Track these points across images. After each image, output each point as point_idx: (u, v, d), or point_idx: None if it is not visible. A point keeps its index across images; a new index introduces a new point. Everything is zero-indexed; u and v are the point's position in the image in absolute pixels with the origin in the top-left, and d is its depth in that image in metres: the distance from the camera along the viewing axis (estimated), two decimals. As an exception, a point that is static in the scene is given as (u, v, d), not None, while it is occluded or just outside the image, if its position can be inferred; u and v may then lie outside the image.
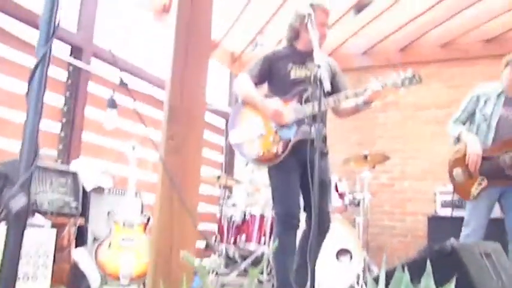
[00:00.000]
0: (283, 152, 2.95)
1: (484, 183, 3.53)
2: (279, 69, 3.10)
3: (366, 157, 4.92)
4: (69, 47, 4.32)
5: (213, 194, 6.05)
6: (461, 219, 3.73)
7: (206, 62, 2.07)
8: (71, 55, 4.32)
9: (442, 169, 5.56)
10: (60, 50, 4.22)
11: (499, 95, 3.66)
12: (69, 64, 4.28)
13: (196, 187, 1.94)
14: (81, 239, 3.75)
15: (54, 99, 4.22)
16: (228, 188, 5.61)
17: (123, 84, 3.55)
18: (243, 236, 4.75)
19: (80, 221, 3.77)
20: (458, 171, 3.67)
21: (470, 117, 3.77)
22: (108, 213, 3.85)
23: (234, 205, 5.01)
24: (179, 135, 1.87)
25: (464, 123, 3.79)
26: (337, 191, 4.76)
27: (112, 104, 3.98)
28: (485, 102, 3.67)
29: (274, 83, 3.13)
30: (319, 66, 2.47)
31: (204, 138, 6.03)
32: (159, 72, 5.25)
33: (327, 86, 2.45)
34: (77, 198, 3.72)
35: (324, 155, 3.08)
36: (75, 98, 4.24)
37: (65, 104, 4.25)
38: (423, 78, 5.62)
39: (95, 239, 3.84)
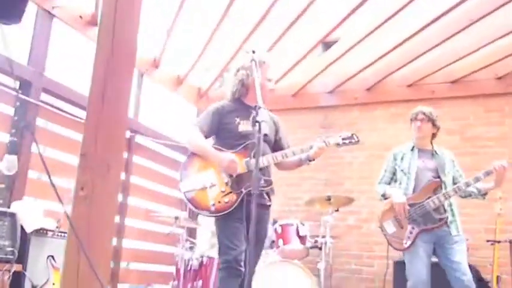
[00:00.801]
0: (234, 204, 3.02)
1: (415, 230, 3.65)
2: (227, 123, 3.16)
3: (329, 199, 4.77)
4: (18, 82, 4.13)
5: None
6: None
7: (126, 104, 1.89)
8: (19, 89, 4.13)
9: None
10: (8, 84, 4.02)
11: (412, 149, 3.92)
12: (17, 99, 4.08)
13: (108, 242, 1.74)
14: (17, 286, 3.47)
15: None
16: (191, 229, 5.40)
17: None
18: (200, 282, 4.50)
19: (16, 267, 3.51)
20: (388, 224, 3.79)
21: (392, 176, 3.98)
22: (48, 258, 3.59)
23: (191, 248, 4.77)
24: (89, 185, 1.68)
25: (389, 183, 3.97)
26: (298, 234, 4.57)
27: (12, 149, 3.80)
28: (402, 158, 3.91)
29: (222, 136, 3.20)
30: (259, 122, 2.56)
31: (168, 176, 5.85)
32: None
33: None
34: (14, 242, 3.46)
35: (266, 207, 3.21)
36: (21, 134, 4.02)
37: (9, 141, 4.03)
38: (390, 117, 5.64)
39: (33, 287, 3.56)
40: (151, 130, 5.79)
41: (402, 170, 3.86)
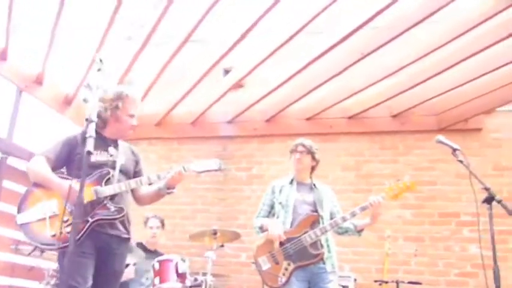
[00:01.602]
0: (78, 233, 2.67)
1: (291, 267, 3.45)
2: (78, 154, 2.89)
3: (215, 233, 4.47)
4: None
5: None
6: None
7: None
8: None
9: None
10: None
11: (291, 182, 3.82)
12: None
13: None
14: None
15: None
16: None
17: None
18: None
19: None
20: (263, 259, 3.56)
21: (271, 210, 3.82)
22: None
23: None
24: None
25: (267, 217, 3.79)
26: (177, 272, 4.19)
27: None
28: (281, 191, 3.78)
29: (73, 166, 2.91)
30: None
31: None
32: None
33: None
34: None
35: (124, 240, 2.97)
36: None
37: None
38: (287, 150, 5.43)
39: None
40: (29, 152, 5.23)
41: (280, 203, 3.71)
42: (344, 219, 3.53)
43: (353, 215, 3.51)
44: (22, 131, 5.19)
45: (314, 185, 3.81)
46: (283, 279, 3.42)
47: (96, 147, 2.80)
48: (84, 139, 2.56)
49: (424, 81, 4.84)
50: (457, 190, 5.24)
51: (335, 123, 5.77)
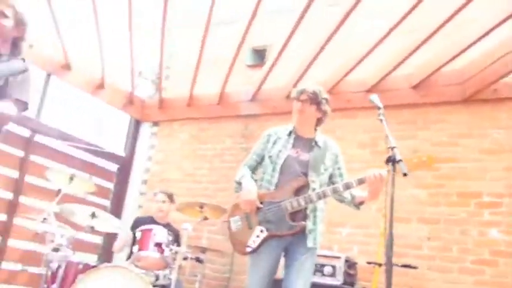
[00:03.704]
0: None
1: (263, 234, 3.04)
2: None
3: (201, 207, 4.47)
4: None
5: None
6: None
7: None
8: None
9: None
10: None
11: (289, 134, 3.24)
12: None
13: None
14: None
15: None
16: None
17: None
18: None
19: None
20: (235, 219, 3.18)
21: (261, 161, 3.30)
22: None
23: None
24: None
25: (254, 168, 3.31)
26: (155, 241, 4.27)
27: None
28: (274, 143, 3.23)
29: None
30: None
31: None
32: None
33: None
34: None
35: None
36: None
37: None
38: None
39: None
40: (57, 130, 5.72)
41: (270, 157, 3.19)
42: (335, 191, 3.03)
43: (347, 187, 3.01)
44: (49, 111, 5.69)
45: (316, 141, 3.23)
46: (253, 246, 3.06)
47: None
48: None
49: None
50: (480, 168, 4.62)
51: (353, 97, 5.41)
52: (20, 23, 2.74)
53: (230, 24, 6.17)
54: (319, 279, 4.25)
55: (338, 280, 4.27)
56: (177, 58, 6.77)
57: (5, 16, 2.67)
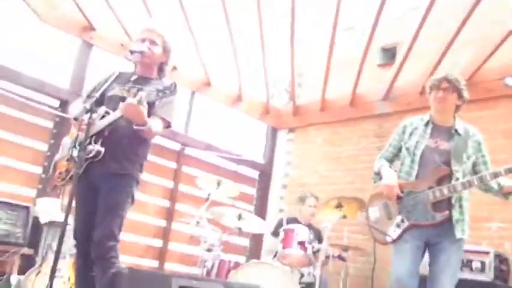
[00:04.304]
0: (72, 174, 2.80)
1: (404, 224, 3.09)
2: None
3: (339, 204, 4.57)
4: (58, 101, 5.02)
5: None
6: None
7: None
8: (58, 108, 5.01)
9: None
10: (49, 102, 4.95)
11: (426, 124, 3.24)
12: (56, 115, 4.95)
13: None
14: (27, 266, 4.19)
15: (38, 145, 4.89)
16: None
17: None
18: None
19: (27, 251, 4.26)
20: (374, 209, 3.28)
21: (397, 153, 3.35)
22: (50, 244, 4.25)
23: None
24: None
25: (391, 160, 3.37)
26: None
27: None
28: (411, 134, 3.26)
29: None
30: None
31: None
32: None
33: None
34: (25, 230, 4.22)
35: (117, 176, 2.88)
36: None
37: (48, 150, 4.90)
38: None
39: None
40: (203, 143, 6.26)
41: (408, 149, 3.21)
42: (481, 180, 2.96)
43: (495, 176, 2.93)
44: (196, 126, 6.25)
45: (456, 130, 3.17)
46: (394, 236, 3.10)
47: (118, 83, 3.11)
48: None
49: None
50: None
51: (492, 86, 5.15)
52: (166, 50, 3.14)
53: (357, 27, 6.26)
54: (467, 275, 4.12)
55: (488, 276, 4.10)
56: (307, 65, 6.99)
57: (156, 44, 3.09)
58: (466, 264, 4.18)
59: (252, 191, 6.90)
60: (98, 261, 2.77)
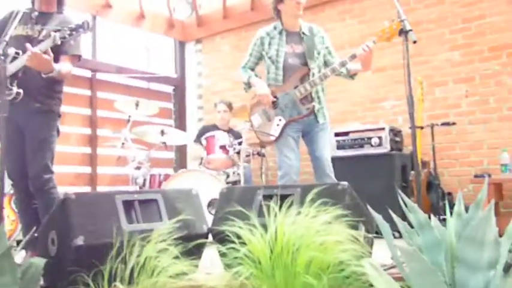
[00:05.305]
0: None
1: (282, 122, 3.58)
2: None
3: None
4: None
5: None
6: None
7: None
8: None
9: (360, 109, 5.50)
10: None
11: (280, 33, 3.64)
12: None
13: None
14: None
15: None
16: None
17: None
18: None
19: None
20: (255, 117, 3.72)
21: (258, 62, 3.77)
22: None
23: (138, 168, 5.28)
24: None
25: (253, 69, 3.78)
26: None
27: None
28: (270, 44, 3.65)
29: None
30: None
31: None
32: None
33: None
34: None
35: (40, 114, 3.01)
36: None
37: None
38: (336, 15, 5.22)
39: None
40: (113, 66, 6.31)
41: (270, 57, 3.62)
42: (333, 70, 3.46)
43: (342, 64, 3.44)
44: (103, 50, 6.24)
45: (303, 32, 3.62)
46: (276, 134, 3.57)
47: None
48: None
49: None
50: (508, 19, 4.79)
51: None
52: None
53: None
54: (368, 150, 4.77)
55: (385, 148, 4.74)
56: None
57: None
58: (367, 141, 4.80)
59: (170, 105, 7.13)
60: (38, 194, 2.97)
